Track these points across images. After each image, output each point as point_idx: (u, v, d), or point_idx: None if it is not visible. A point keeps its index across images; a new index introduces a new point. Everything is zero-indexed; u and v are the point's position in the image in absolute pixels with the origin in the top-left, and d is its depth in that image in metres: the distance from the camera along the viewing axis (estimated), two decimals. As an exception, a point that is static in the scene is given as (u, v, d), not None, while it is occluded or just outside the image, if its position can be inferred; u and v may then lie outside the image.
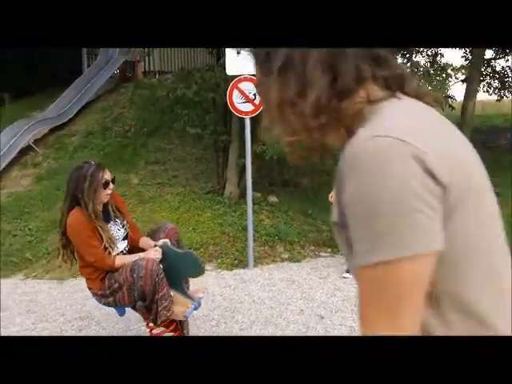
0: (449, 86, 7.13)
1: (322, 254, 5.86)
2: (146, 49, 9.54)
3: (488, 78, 11.37)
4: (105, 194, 3.09)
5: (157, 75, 12.10)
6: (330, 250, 5.86)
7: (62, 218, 3.13)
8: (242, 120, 5.84)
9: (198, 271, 3.29)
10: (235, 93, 5.30)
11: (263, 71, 0.92)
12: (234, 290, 4.72)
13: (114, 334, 3.87)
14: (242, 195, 6.73)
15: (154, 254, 3.12)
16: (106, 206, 3.18)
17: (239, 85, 5.29)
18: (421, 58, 9.80)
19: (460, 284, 0.82)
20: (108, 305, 3.22)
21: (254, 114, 5.39)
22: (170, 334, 3.20)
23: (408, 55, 8.38)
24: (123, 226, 3.28)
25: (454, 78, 7.49)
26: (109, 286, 3.08)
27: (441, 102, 0.89)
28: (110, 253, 3.09)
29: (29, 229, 6.59)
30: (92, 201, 2.99)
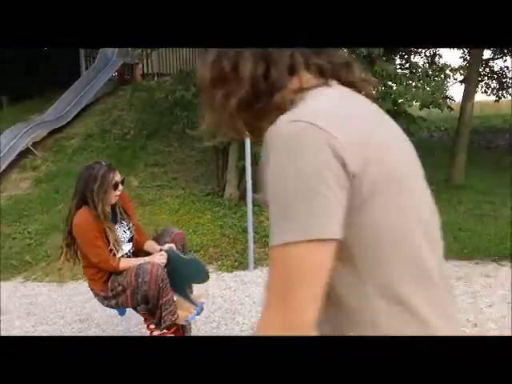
0: (447, 86, 7.13)
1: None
2: (145, 51, 9.53)
3: (486, 78, 11.40)
4: (114, 195, 3.09)
5: (155, 77, 12.11)
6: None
7: (68, 217, 3.11)
8: (241, 122, 5.84)
9: (203, 278, 3.28)
10: (234, 94, 5.30)
11: (202, 56, 0.95)
12: (235, 292, 4.72)
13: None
14: (242, 197, 6.72)
15: (160, 258, 3.11)
16: (113, 207, 3.17)
17: (238, 86, 5.29)
18: (419, 59, 9.83)
19: (383, 271, 0.82)
20: (110, 306, 3.22)
21: (253, 116, 5.39)
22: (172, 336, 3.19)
23: (406, 56, 8.39)
24: (129, 229, 3.28)
25: (452, 78, 7.50)
26: (112, 288, 3.07)
27: (370, 91, 0.89)
28: (114, 254, 3.08)
29: (28, 232, 6.58)
30: (101, 201, 2.99)
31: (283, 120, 0.79)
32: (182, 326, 3.25)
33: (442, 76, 7.12)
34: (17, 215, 7.03)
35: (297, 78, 0.88)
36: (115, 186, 3.07)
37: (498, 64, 12.09)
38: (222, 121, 0.93)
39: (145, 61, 11.28)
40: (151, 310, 3.04)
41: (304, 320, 0.76)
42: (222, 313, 4.19)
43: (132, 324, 3.92)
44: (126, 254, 3.22)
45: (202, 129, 0.97)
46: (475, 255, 5.62)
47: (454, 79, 8.59)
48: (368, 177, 0.78)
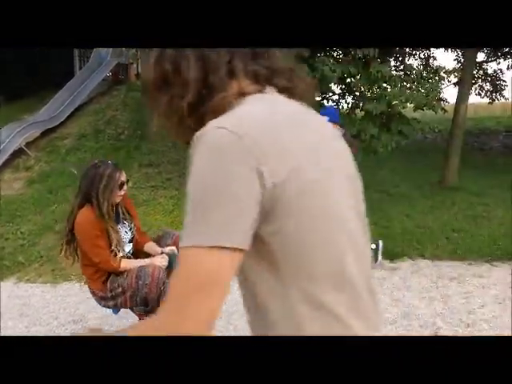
0: (441, 88, 7.16)
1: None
2: (139, 51, 9.52)
3: (480, 80, 11.46)
4: (119, 195, 3.07)
5: (150, 78, 12.08)
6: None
7: (70, 215, 3.08)
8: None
9: None
10: (229, 95, 5.31)
11: (146, 56, 0.96)
12: (230, 292, 4.70)
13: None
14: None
15: (161, 261, 3.08)
16: (116, 207, 3.15)
17: (233, 87, 5.30)
18: (414, 61, 9.87)
19: (306, 277, 0.83)
20: (107, 307, 3.20)
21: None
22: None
23: (401, 58, 8.42)
24: (130, 229, 3.26)
25: (446, 80, 7.52)
26: (111, 289, 3.04)
27: (311, 96, 0.91)
28: (115, 255, 3.05)
29: (21, 232, 6.55)
30: (107, 201, 2.96)
31: (209, 126, 0.80)
32: None
33: (437, 78, 7.16)
34: (9, 216, 6.99)
35: (236, 83, 0.89)
36: (120, 186, 3.06)
37: (491, 66, 12.21)
38: (169, 124, 0.94)
39: (139, 61, 11.26)
40: (150, 312, 3.03)
41: (196, 327, 0.77)
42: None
43: (126, 324, 3.91)
44: (126, 254, 3.20)
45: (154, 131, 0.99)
46: (468, 256, 5.65)
47: (448, 81, 8.62)
48: (291, 186, 0.79)
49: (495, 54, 10.60)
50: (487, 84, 11.48)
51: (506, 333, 3.72)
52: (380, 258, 5.17)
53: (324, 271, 0.84)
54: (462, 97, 8.62)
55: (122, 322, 3.83)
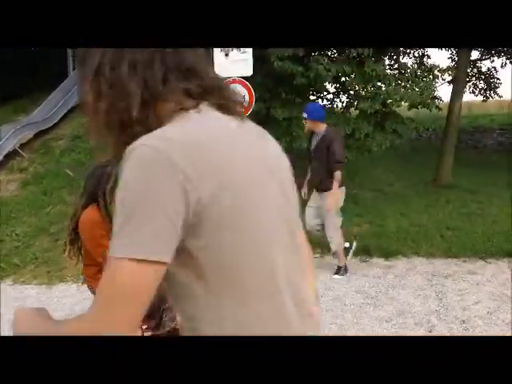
0: (435, 87, 7.17)
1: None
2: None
3: (474, 79, 11.50)
4: None
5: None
6: (319, 250, 5.87)
7: (75, 214, 3.06)
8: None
9: None
10: (223, 95, 5.31)
11: (81, 71, 0.96)
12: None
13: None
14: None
15: None
16: None
17: (227, 87, 5.29)
18: (408, 60, 9.89)
19: (234, 289, 0.87)
20: None
21: (242, 116, 5.39)
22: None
23: (395, 57, 8.44)
24: None
25: (440, 79, 7.55)
26: None
27: (240, 115, 0.97)
28: None
29: (16, 234, 6.52)
30: (114, 201, 2.94)
31: (138, 142, 0.82)
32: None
33: (431, 76, 7.17)
34: (4, 217, 6.96)
35: (169, 100, 0.91)
36: None
37: (485, 65, 12.20)
38: (106, 139, 0.96)
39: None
40: (150, 313, 3.02)
41: (118, 332, 0.79)
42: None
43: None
44: None
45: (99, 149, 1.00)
46: (462, 253, 5.68)
47: (443, 79, 8.66)
48: (218, 201, 0.82)
49: (489, 52, 10.64)
50: (481, 82, 11.51)
51: (500, 329, 3.74)
52: (349, 257, 5.15)
53: (253, 283, 0.88)
54: (456, 95, 8.65)
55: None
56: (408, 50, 9.82)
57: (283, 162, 1.03)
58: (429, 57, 9.65)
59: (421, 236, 6.16)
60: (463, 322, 3.88)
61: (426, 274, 5.10)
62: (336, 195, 4.79)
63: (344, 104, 7.78)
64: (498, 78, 11.39)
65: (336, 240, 4.98)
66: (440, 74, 7.40)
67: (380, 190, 8.39)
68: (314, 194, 5.02)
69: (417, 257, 5.68)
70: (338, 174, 4.73)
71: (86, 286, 3.24)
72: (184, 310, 0.91)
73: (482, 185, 8.45)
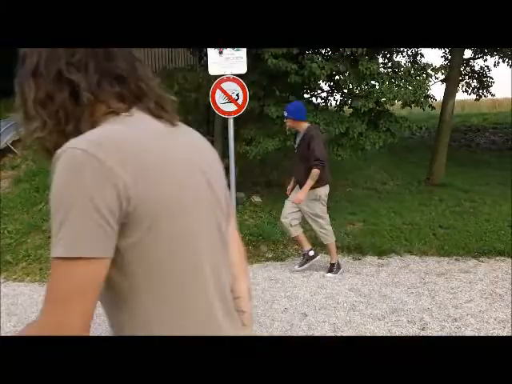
0: (429, 85, 7.19)
1: (305, 253, 5.88)
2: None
3: (467, 77, 11.53)
4: None
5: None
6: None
7: None
8: (224, 120, 5.84)
9: None
10: (218, 93, 5.30)
11: (20, 70, 0.98)
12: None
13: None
14: (225, 195, 6.71)
15: None
16: None
17: (222, 85, 5.28)
18: (402, 58, 9.91)
19: (162, 285, 0.90)
20: None
21: (237, 115, 5.39)
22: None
23: (389, 55, 8.46)
24: None
25: (433, 77, 7.56)
26: None
27: (173, 120, 1.01)
28: None
29: (8, 231, 6.48)
30: None
31: (67, 145, 0.85)
32: None
33: (424, 75, 7.18)
34: (-4, 214, 6.92)
35: (101, 103, 0.94)
36: None
37: (478, 63, 12.26)
38: (38, 141, 0.98)
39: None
40: None
41: (70, 333, 0.82)
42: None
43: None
44: None
45: (37, 150, 1.02)
46: (455, 252, 5.71)
47: (436, 78, 8.67)
48: (148, 202, 0.85)
49: (482, 51, 10.68)
50: (474, 81, 11.55)
51: (492, 327, 3.77)
52: (307, 266, 5.16)
53: (178, 281, 0.92)
54: (449, 94, 8.68)
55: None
56: (401, 49, 9.84)
57: (215, 164, 1.08)
58: (422, 55, 9.68)
59: (414, 234, 6.19)
60: (455, 320, 3.91)
61: (418, 272, 5.13)
62: (305, 191, 4.81)
63: (338, 102, 7.78)
64: (490, 77, 11.43)
65: (329, 234, 5.01)
66: (433, 73, 7.39)
67: (373, 188, 8.41)
68: (296, 191, 5.02)
69: (410, 255, 5.70)
70: (314, 172, 4.74)
71: None
72: (111, 307, 0.93)
73: (474, 183, 8.50)
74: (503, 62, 10.44)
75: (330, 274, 5.03)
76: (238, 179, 6.09)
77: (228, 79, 5.26)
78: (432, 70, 7.37)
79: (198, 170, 0.99)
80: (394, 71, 7.34)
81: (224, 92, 5.28)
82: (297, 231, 5.06)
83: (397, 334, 3.69)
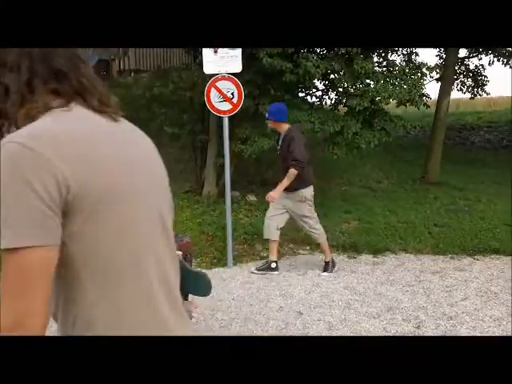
0: (424, 84, 7.20)
1: (300, 251, 5.89)
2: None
3: (462, 76, 11.55)
4: None
5: (132, 74, 11.97)
6: (308, 247, 5.90)
7: None
8: (219, 119, 5.83)
9: (206, 293, 3.33)
10: (213, 92, 5.28)
11: None
12: (214, 289, 4.69)
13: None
14: (221, 194, 6.71)
15: None
16: None
17: (217, 83, 5.27)
18: (396, 57, 9.92)
19: (103, 276, 0.92)
20: None
21: (232, 113, 5.38)
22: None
23: (384, 54, 8.47)
24: None
25: (428, 76, 7.56)
26: None
27: (116, 115, 1.04)
28: None
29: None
30: None
31: (5, 140, 0.88)
32: None
33: (419, 74, 7.19)
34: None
35: (40, 99, 0.96)
36: None
37: (473, 62, 12.28)
38: None
39: (121, 57, 11.14)
40: None
41: (31, 322, 0.84)
42: (202, 309, 4.18)
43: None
44: None
45: None
46: (450, 250, 5.73)
47: (431, 77, 8.68)
48: (87, 191, 0.88)
49: (476, 49, 10.71)
50: (469, 80, 11.57)
51: (487, 325, 3.78)
52: (268, 273, 5.06)
53: (120, 273, 0.94)
54: (444, 92, 8.71)
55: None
56: (396, 48, 9.85)
57: (155, 158, 1.10)
58: (417, 54, 9.67)
59: (409, 233, 6.20)
60: (451, 318, 3.92)
61: (413, 270, 5.14)
62: (280, 189, 4.81)
63: (333, 101, 7.78)
64: (485, 76, 11.45)
65: (320, 232, 5.02)
66: (428, 72, 7.40)
67: (368, 187, 8.43)
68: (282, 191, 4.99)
69: (405, 253, 5.72)
70: (291, 172, 4.74)
71: None
72: (59, 299, 0.94)
73: (469, 182, 8.53)
74: (498, 60, 10.46)
75: (325, 274, 5.03)
76: (233, 178, 6.09)
77: (223, 78, 5.25)
78: (427, 68, 7.39)
79: (137, 161, 1.02)
80: (388, 70, 7.35)
81: (219, 91, 5.27)
82: (276, 237, 5.05)
83: (392, 332, 3.70)
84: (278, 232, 5.06)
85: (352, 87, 7.04)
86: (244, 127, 6.81)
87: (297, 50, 6.60)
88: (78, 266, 0.90)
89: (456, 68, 10.37)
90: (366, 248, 5.81)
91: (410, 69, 7.29)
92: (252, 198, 7.22)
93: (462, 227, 6.33)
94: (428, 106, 7.88)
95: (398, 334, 3.62)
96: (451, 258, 5.56)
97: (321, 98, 8.09)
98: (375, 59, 7.93)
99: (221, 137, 5.79)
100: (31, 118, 0.94)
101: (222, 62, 5.22)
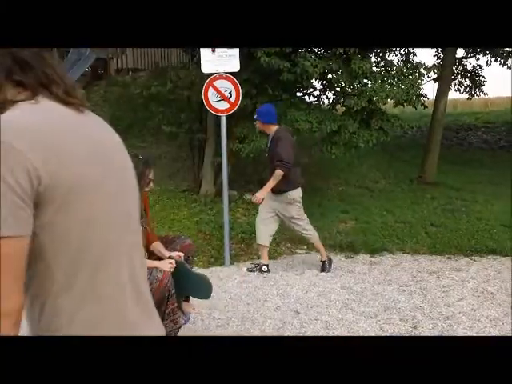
0: (421, 84, 7.21)
1: (297, 251, 5.89)
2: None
3: (459, 76, 11.57)
4: (144, 193, 3.06)
5: (130, 73, 11.96)
6: (305, 247, 5.90)
7: None
8: (217, 118, 5.83)
9: (207, 296, 3.35)
10: (211, 91, 5.28)
11: None
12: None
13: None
14: (218, 193, 6.71)
15: (170, 266, 3.06)
16: None
17: (215, 83, 5.27)
18: (394, 57, 9.92)
19: (72, 268, 0.93)
20: None
21: (229, 112, 5.38)
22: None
23: (382, 54, 8.47)
24: (143, 226, 3.25)
25: (426, 76, 7.58)
26: None
27: (81, 106, 1.06)
28: None
29: None
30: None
31: None
32: None
33: (417, 74, 7.21)
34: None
35: (4, 91, 0.96)
36: (148, 183, 3.04)
37: (471, 62, 12.31)
38: None
39: (119, 56, 11.13)
40: None
41: (7, 306, 0.84)
42: (199, 308, 4.18)
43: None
44: None
45: None
46: (447, 250, 5.74)
47: (428, 77, 8.69)
48: (57, 182, 0.88)
49: (474, 50, 10.73)
50: (466, 80, 11.59)
51: (484, 325, 3.79)
52: (256, 273, 5.07)
53: (89, 266, 0.94)
54: (442, 93, 8.72)
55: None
56: (394, 48, 9.86)
57: (122, 152, 1.11)
58: (415, 54, 9.68)
59: (406, 233, 6.21)
60: (447, 318, 3.93)
61: (410, 270, 5.15)
62: (265, 190, 4.83)
63: (330, 101, 7.78)
64: (483, 76, 11.48)
65: (312, 233, 5.02)
66: (426, 72, 7.41)
67: (365, 186, 8.44)
68: (269, 194, 4.97)
69: (402, 253, 5.73)
70: (277, 173, 4.75)
71: None
72: (28, 289, 0.94)
73: (466, 182, 8.55)
74: (495, 61, 10.49)
75: (323, 273, 5.04)
76: (231, 177, 6.09)
77: (221, 77, 5.25)
78: (424, 68, 7.40)
79: (104, 154, 1.02)
80: (386, 70, 7.36)
81: (217, 90, 5.27)
82: (267, 243, 5.07)
83: (389, 331, 3.70)
84: (270, 238, 5.08)
85: (350, 87, 7.05)
86: (242, 126, 6.81)
87: (294, 50, 6.60)
88: (48, 256, 0.91)
89: (454, 68, 10.39)
90: (363, 248, 5.81)
91: (407, 69, 7.30)
92: (249, 197, 7.22)
93: (459, 227, 6.34)
94: (425, 106, 7.89)
95: (394, 334, 3.63)
96: (448, 258, 5.57)
97: (318, 98, 8.10)
98: (373, 59, 7.94)
99: (218, 136, 5.79)
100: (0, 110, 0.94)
101: (220, 61, 5.22)
